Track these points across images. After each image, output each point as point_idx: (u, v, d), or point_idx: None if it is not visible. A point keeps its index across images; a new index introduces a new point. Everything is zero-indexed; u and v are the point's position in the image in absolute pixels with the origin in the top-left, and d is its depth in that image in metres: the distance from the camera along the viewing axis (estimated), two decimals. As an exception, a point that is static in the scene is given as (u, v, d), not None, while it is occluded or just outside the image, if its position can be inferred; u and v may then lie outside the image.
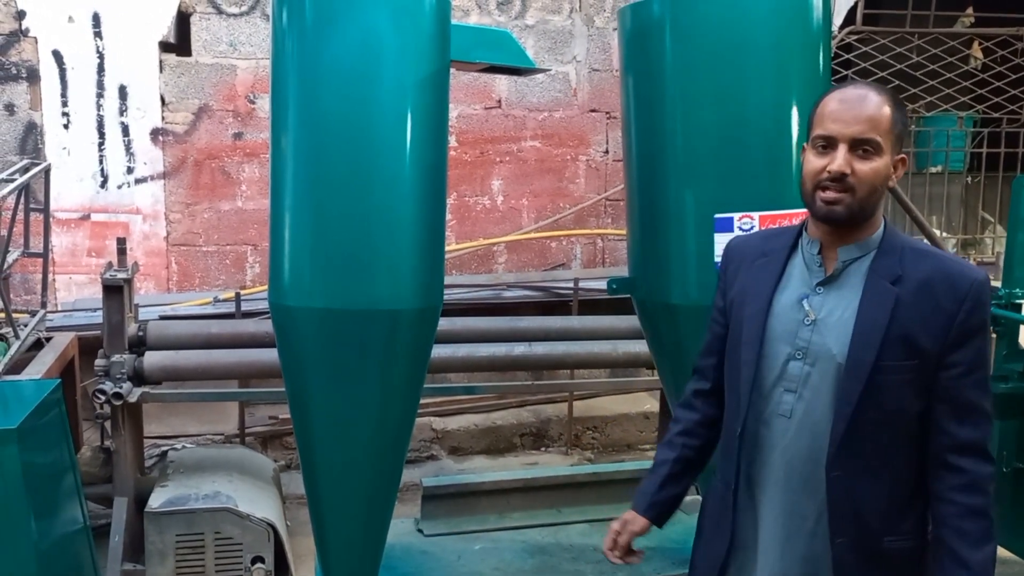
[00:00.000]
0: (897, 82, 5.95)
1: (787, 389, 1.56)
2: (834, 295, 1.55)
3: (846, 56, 5.84)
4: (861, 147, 1.49)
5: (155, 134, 5.13)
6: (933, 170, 6.52)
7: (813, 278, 1.57)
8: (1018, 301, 3.08)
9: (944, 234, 6.40)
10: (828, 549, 1.55)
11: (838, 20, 5.68)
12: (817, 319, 1.54)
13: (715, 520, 1.70)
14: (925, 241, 1.79)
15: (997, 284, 3.33)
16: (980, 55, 6.46)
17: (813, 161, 1.52)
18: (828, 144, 1.51)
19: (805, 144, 1.59)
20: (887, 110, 1.50)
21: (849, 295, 1.53)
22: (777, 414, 1.57)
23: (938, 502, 1.54)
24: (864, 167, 1.48)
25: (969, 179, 6.75)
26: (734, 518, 1.64)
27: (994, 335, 3.33)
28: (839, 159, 1.48)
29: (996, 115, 6.31)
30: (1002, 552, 3.16)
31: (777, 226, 1.71)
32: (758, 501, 1.61)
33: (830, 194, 1.49)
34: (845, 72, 5.84)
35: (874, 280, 1.52)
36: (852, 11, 5.73)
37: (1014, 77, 6.16)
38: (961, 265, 1.55)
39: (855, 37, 5.79)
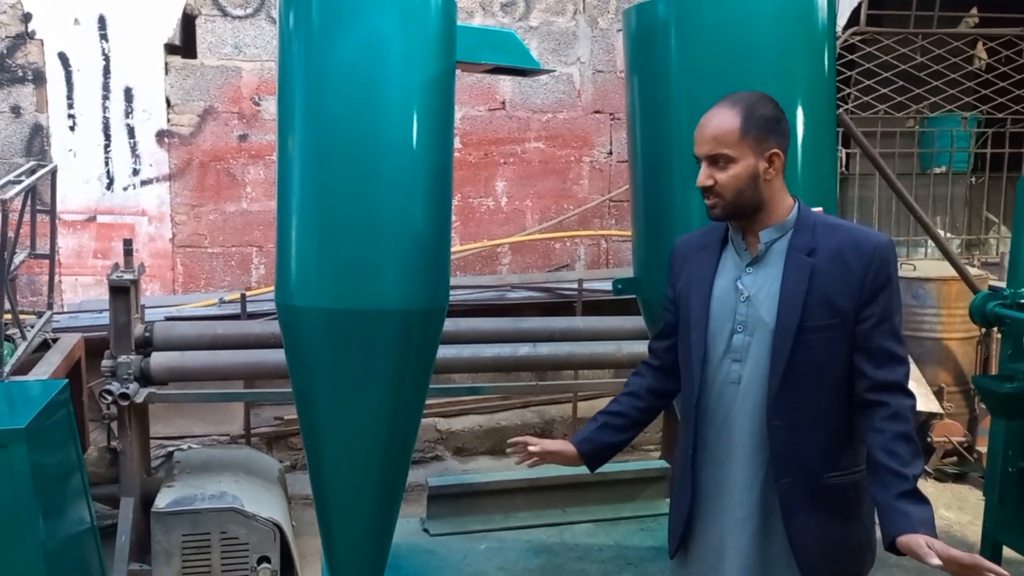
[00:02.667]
0: (901, 83, 5.95)
1: (734, 359, 1.79)
2: (762, 273, 1.78)
3: (850, 57, 5.84)
4: (717, 160, 1.75)
5: (160, 136, 5.15)
6: (937, 171, 6.51)
7: (743, 261, 1.81)
8: (1023, 301, 3.07)
9: (948, 235, 6.40)
10: (776, 494, 1.76)
11: (842, 21, 5.68)
12: (750, 295, 1.78)
13: (679, 483, 1.91)
14: (834, 216, 1.98)
15: (1001, 284, 3.33)
16: (984, 55, 6.45)
17: (698, 175, 1.79)
18: (698, 162, 1.78)
19: None
20: (732, 122, 1.73)
21: (774, 271, 1.77)
22: (728, 382, 1.80)
23: (868, 433, 1.74)
24: (723, 176, 1.75)
25: (973, 180, 6.74)
26: (694, 477, 1.85)
27: (999, 335, 3.33)
28: (700, 175, 1.77)
29: (1000, 115, 6.30)
30: (1008, 552, 3.16)
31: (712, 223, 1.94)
32: (720, 461, 1.82)
33: (708, 201, 1.78)
34: (849, 73, 5.84)
35: (792, 255, 1.76)
36: (856, 12, 5.73)
37: (1018, 77, 6.15)
38: (867, 233, 1.79)
39: (859, 38, 5.79)
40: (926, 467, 4.87)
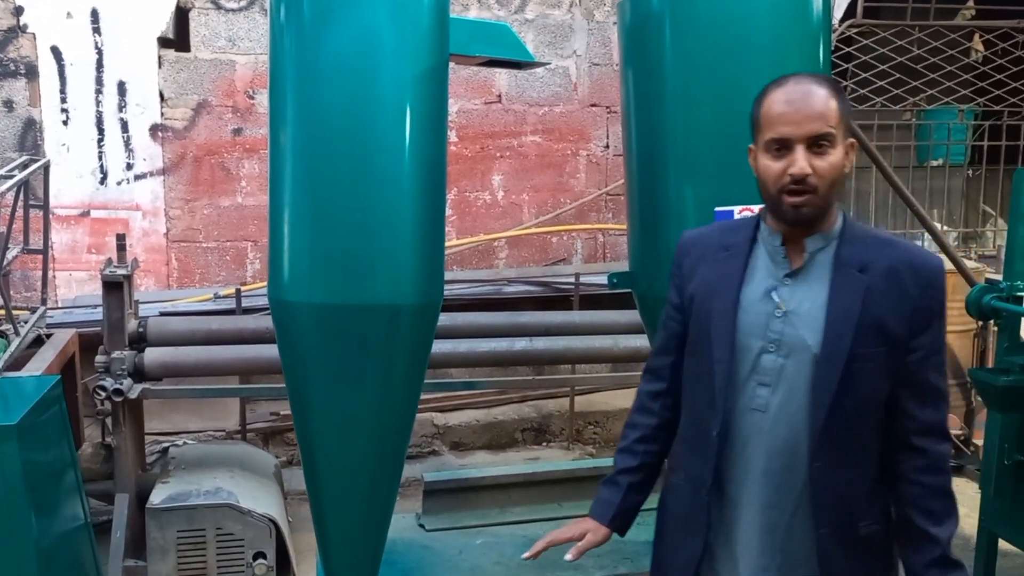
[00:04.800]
0: (897, 75, 5.93)
1: (761, 383, 1.55)
2: (802, 286, 1.55)
3: (846, 49, 5.82)
4: (817, 144, 1.48)
5: (154, 130, 5.13)
6: (934, 163, 6.51)
7: (779, 270, 1.57)
8: (1019, 294, 3.07)
9: (945, 227, 6.40)
10: (804, 541, 1.56)
11: (838, 13, 5.67)
12: (788, 311, 1.54)
13: (683, 520, 1.67)
14: (883, 229, 1.82)
15: (998, 277, 3.33)
16: (981, 48, 6.44)
17: (771, 165, 1.52)
18: (783, 146, 1.50)
19: (752, 147, 1.59)
20: (833, 101, 1.50)
21: (817, 286, 1.54)
22: (750, 408, 1.56)
23: (903, 483, 1.57)
24: (823, 163, 1.48)
25: (970, 172, 6.74)
26: (709, 517, 1.62)
27: (996, 328, 3.33)
28: (800, 161, 1.48)
29: (997, 108, 6.29)
30: (1003, 545, 3.16)
31: (735, 219, 1.72)
32: (733, 497, 1.60)
33: (796, 198, 1.49)
34: (846, 65, 5.82)
35: (841, 269, 1.53)
36: (853, 4, 5.72)
37: (1015, 70, 6.14)
38: (922, 253, 1.59)
39: (856, 30, 5.77)
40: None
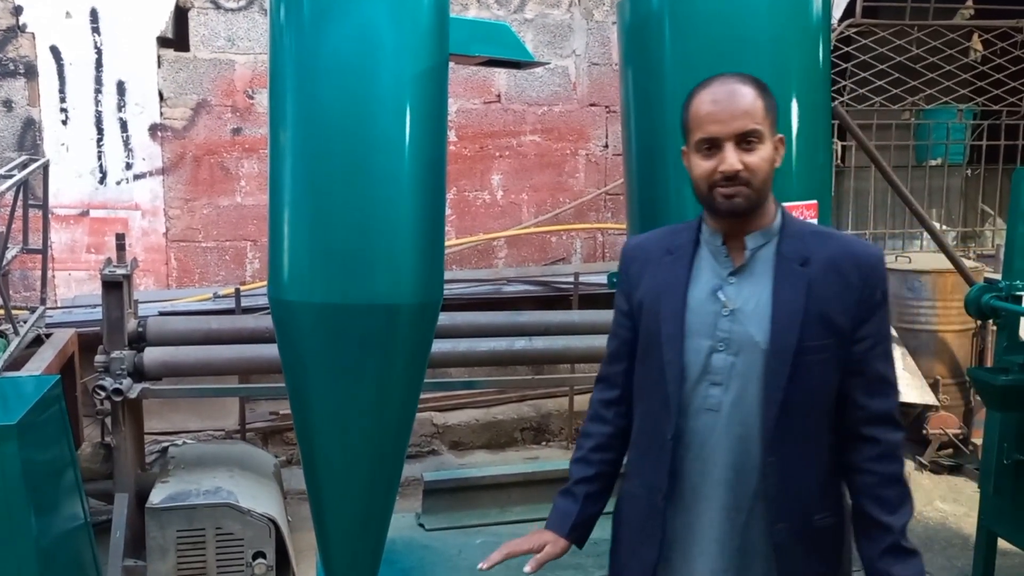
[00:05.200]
0: (897, 75, 5.94)
1: (713, 383, 1.56)
2: (747, 283, 1.56)
3: (846, 49, 5.83)
4: (745, 140, 1.50)
5: (153, 130, 5.13)
6: (933, 163, 6.52)
7: (723, 269, 1.58)
8: (1018, 293, 3.07)
9: (944, 227, 6.40)
10: (762, 538, 1.56)
11: (838, 13, 5.67)
12: (735, 309, 1.55)
13: (639, 526, 1.66)
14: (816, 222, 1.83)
15: (997, 277, 3.33)
16: (980, 47, 6.44)
17: (702, 164, 1.54)
18: (712, 145, 1.52)
19: (684, 148, 1.61)
20: (759, 98, 1.52)
21: (762, 281, 1.55)
22: (704, 409, 1.56)
23: (856, 473, 1.58)
24: (752, 158, 1.50)
25: (969, 172, 6.74)
26: (664, 522, 1.61)
27: (995, 327, 3.33)
28: (729, 158, 1.50)
29: (996, 107, 6.30)
30: (1003, 544, 3.17)
31: (677, 224, 1.71)
32: (690, 501, 1.59)
33: (727, 190, 1.51)
34: (845, 65, 5.83)
35: (784, 264, 1.55)
36: (852, 4, 5.72)
37: (1014, 69, 6.15)
38: (862, 244, 1.61)
39: (855, 30, 5.78)
40: (921, 459, 4.88)
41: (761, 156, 1.51)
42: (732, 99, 1.52)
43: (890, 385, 1.59)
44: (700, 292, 1.58)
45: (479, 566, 1.69)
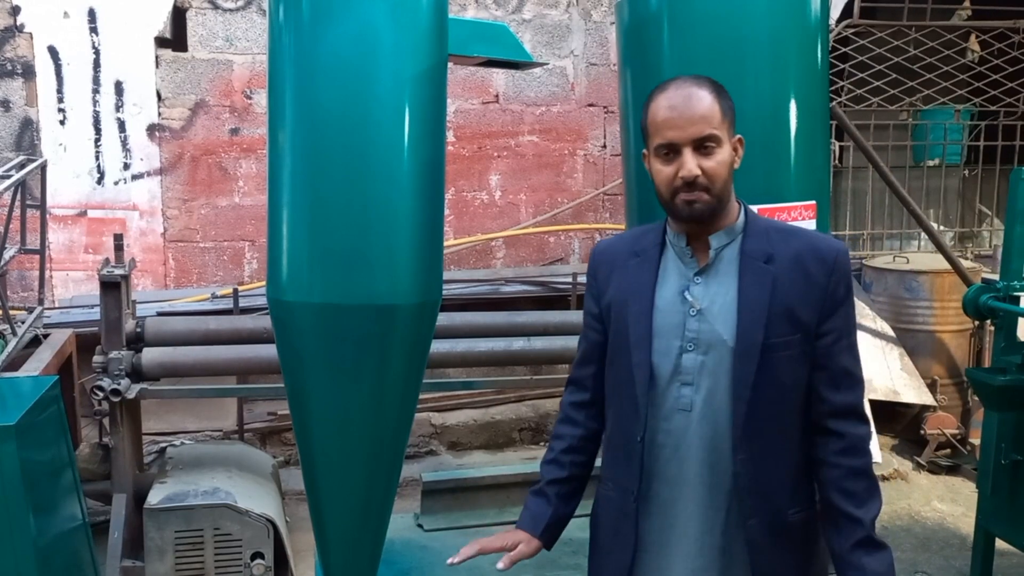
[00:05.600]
0: (894, 75, 5.95)
1: (683, 383, 1.57)
2: (713, 282, 1.58)
3: (843, 49, 5.83)
4: (703, 145, 1.52)
5: (152, 130, 5.12)
6: (930, 163, 6.52)
7: (689, 269, 1.60)
8: (1016, 293, 3.08)
9: (941, 227, 6.41)
10: (739, 536, 1.57)
11: (835, 13, 5.68)
12: (702, 308, 1.57)
13: (613, 529, 1.67)
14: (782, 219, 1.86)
15: (995, 277, 3.34)
16: (977, 48, 6.45)
17: (662, 170, 1.56)
18: (671, 150, 1.54)
19: (645, 151, 1.62)
20: (715, 102, 1.54)
21: (727, 280, 1.57)
22: (677, 409, 1.57)
23: (823, 467, 1.59)
24: (711, 163, 1.52)
25: (966, 172, 6.75)
26: (637, 524, 1.61)
27: (992, 328, 3.34)
28: (688, 164, 1.52)
29: (993, 108, 6.31)
30: (1000, 544, 3.17)
31: (643, 226, 1.74)
32: (666, 501, 1.60)
33: (688, 195, 1.53)
34: (843, 65, 5.84)
35: (748, 262, 1.57)
36: (849, 4, 5.73)
37: (1011, 70, 6.15)
38: (825, 239, 1.63)
39: (852, 31, 5.78)
40: (919, 459, 4.88)
41: (719, 160, 1.53)
42: (688, 104, 1.53)
43: (855, 379, 1.60)
44: (668, 293, 1.60)
45: (448, 561, 1.66)
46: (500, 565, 1.65)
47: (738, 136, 1.59)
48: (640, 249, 1.66)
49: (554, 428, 1.81)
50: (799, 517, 1.60)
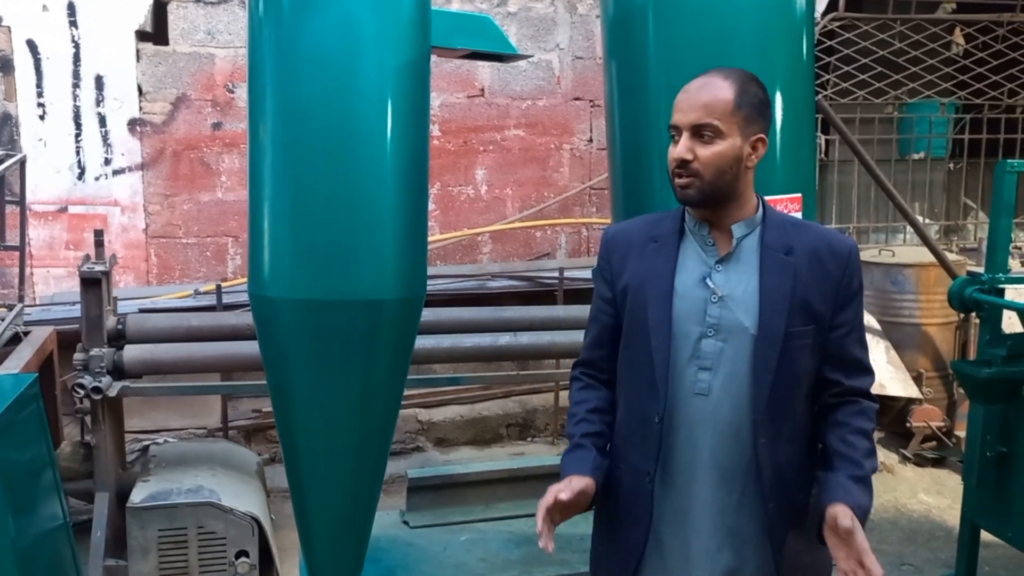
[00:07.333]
0: (879, 69, 5.96)
1: (702, 367, 1.60)
2: (734, 271, 1.61)
3: (829, 43, 5.84)
4: (702, 132, 1.56)
5: (133, 124, 5.07)
6: (915, 156, 6.55)
7: (709, 257, 1.63)
8: (1001, 286, 3.09)
9: (927, 220, 6.44)
10: (753, 518, 1.60)
11: (821, 6, 5.68)
12: (724, 295, 1.60)
13: (623, 512, 1.68)
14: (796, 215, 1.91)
15: (980, 270, 3.34)
16: (962, 41, 6.48)
17: (670, 150, 1.61)
18: (676, 132, 1.60)
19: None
20: (727, 94, 1.57)
21: (748, 270, 1.61)
22: (693, 393, 1.60)
23: (831, 427, 1.64)
24: (705, 151, 1.56)
25: (951, 165, 6.79)
26: (652, 505, 1.63)
27: (977, 320, 3.35)
28: (679, 147, 1.57)
29: (978, 101, 6.34)
30: (986, 536, 3.18)
31: (657, 212, 1.76)
32: (681, 484, 1.62)
33: (681, 180, 1.58)
34: (828, 59, 5.84)
35: (769, 253, 1.61)
36: (835, -2, 5.74)
37: (996, 63, 6.18)
38: (837, 235, 1.69)
39: (838, 24, 5.79)
40: (905, 451, 4.91)
41: (715, 151, 1.56)
42: (700, 91, 1.58)
43: (866, 369, 1.67)
44: (688, 279, 1.63)
45: (545, 547, 1.54)
46: (563, 497, 1.57)
47: (759, 136, 1.60)
48: (658, 235, 1.68)
49: (572, 400, 1.79)
50: (808, 501, 1.65)
